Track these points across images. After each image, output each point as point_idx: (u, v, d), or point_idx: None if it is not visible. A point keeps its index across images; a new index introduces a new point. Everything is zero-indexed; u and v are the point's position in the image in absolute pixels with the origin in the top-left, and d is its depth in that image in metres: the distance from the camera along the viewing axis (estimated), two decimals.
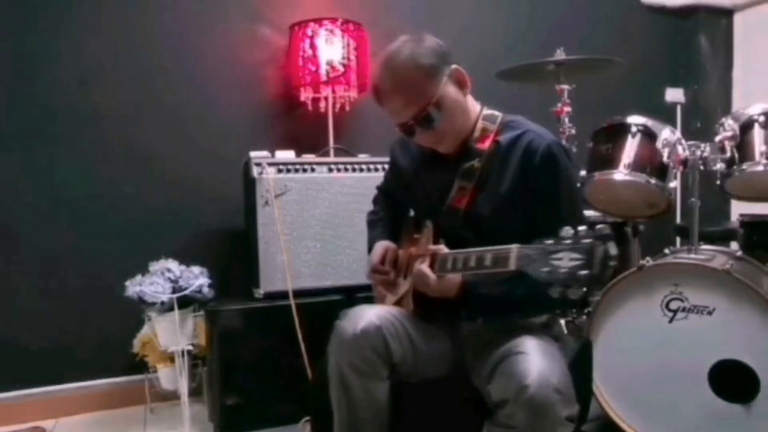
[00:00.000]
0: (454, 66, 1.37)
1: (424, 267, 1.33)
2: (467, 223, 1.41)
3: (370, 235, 1.73)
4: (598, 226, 1.04)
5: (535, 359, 1.21)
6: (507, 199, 1.37)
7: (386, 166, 2.30)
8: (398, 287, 1.55)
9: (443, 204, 1.44)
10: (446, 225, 1.43)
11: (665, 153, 2.02)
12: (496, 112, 1.45)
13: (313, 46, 2.43)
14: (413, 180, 1.56)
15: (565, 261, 1.04)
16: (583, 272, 1.02)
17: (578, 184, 1.41)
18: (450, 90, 1.36)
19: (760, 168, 1.96)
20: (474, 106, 1.45)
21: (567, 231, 1.06)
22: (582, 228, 1.05)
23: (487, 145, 1.40)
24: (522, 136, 1.37)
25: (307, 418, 1.99)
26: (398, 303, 1.52)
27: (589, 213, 2.29)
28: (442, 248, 1.35)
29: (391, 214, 1.73)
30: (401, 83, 1.34)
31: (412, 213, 1.68)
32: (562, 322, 1.69)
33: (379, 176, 2.30)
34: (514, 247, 1.14)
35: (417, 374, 1.42)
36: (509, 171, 1.37)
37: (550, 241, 1.08)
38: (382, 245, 1.60)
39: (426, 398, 1.44)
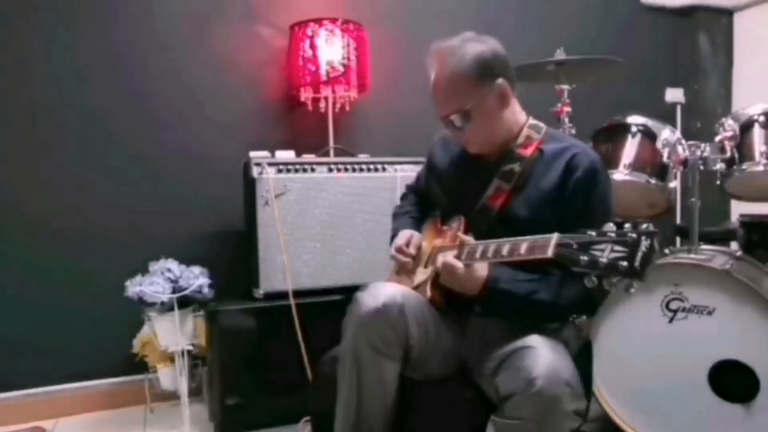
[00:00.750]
0: (499, 81, 1.41)
1: (450, 258, 1.34)
2: (499, 222, 1.43)
3: (393, 225, 1.75)
4: (644, 225, 1.05)
5: (544, 353, 1.22)
6: (542, 205, 1.40)
7: (386, 167, 2.34)
8: (416, 276, 1.55)
9: (478, 201, 1.46)
10: (478, 222, 1.45)
11: (665, 153, 2.03)
12: (541, 124, 1.50)
13: (313, 46, 2.43)
14: (450, 176, 1.59)
15: (607, 252, 1.06)
16: (624, 264, 1.04)
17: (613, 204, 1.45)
18: (488, 102, 1.41)
19: (760, 168, 1.96)
20: (519, 116, 1.50)
21: (610, 226, 1.08)
22: (627, 225, 1.07)
23: (529, 151, 1.44)
24: (567, 149, 1.42)
25: (307, 418, 1.99)
26: (414, 290, 1.52)
27: None
28: (470, 239, 1.36)
29: (417, 210, 1.76)
30: (445, 84, 1.41)
31: (438, 213, 1.70)
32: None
33: (379, 176, 2.33)
34: (554, 235, 1.16)
35: (422, 367, 1.42)
36: (549, 179, 1.40)
37: (592, 233, 1.09)
38: (407, 232, 1.63)
39: (428, 396, 1.44)
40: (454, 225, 1.50)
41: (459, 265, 1.32)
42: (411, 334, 1.36)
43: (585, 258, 1.08)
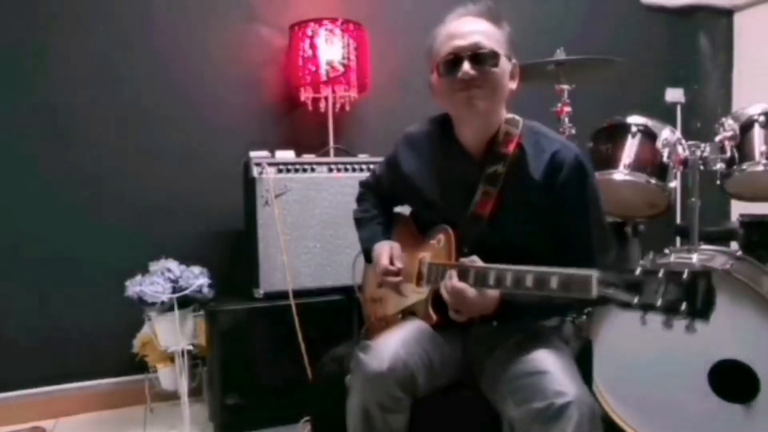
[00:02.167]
0: (515, 61, 1.42)
1: (462, 285, 1.27)
2: (492, 229, 1.37)
3: (363, 234, 1.66)
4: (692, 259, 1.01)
5: (563, 377, 1.20)
6: (532, 207, 1.35)
7: None
8: (407, 294, 1.49)
9: (466, 210, 1.39)
10: (468, 232, 1.39)
11: (665, 153, 2.02)
12: (517, 117, 1.44)
13: (313, 46, 2.43)
14: (424, 181, 1.50)
15: (660, 293, 0.99)
16: (684, 307, 0.97)
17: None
18: (506, 67, 1.38)
19: (760, 168, 1.96)
20: (503, 110, 1.45)
21: (648, 259, 1.04)
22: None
23: (511, 149, 1.38)
24: (547, 146, 1.37)
25: (307, 418, 1.99)
26: (407, 310, 1.48)
27: None
28: (476, 260, 1.29)
29: (383, 213, 1.68)
30: (485, 26, 1.39)
31: (399, 209, 1.63)
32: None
33: None
34: (593, 273, 1.06)
35: (430, 389, 1.37)
36: (534, 179, 1.35)
37: (635, 271, 1.02)
38: (387, 245, 1.53)
39: (435, 407, 1.41)
40: (441, 237, 1.43)
41: (472, 291, 1.25)
42: (418, 383, 1.31)
43: (636, 300, 1.01)
